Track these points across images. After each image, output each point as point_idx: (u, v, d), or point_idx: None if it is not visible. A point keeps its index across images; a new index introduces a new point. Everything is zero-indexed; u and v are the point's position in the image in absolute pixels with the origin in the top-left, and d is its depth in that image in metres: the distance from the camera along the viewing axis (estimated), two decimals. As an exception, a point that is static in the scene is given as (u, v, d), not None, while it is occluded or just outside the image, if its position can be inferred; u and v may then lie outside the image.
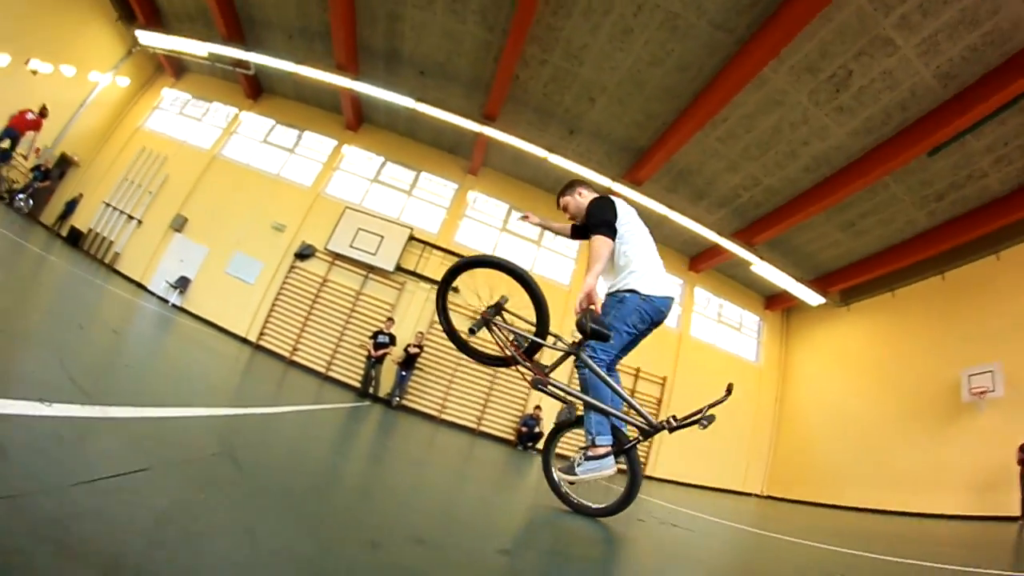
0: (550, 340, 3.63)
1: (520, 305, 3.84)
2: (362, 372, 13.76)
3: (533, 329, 3.64)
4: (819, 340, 18.79)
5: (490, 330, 3.73)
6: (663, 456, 16.14)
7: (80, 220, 15.88)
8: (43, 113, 14.37)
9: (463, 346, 3.94)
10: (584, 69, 12.44)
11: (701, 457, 16.44)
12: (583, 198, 3.84)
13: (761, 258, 15.95)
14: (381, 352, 13.58)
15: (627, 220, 3.60)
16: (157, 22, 16.27)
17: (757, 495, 17.10)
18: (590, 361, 3.32)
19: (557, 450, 4.03)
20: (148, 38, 15.90)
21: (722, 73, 11.21)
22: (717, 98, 11.51)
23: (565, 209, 3.92)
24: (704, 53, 11.09)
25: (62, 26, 14.84)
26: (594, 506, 3.59)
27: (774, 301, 19.50)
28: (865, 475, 14.79)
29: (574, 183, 3.93)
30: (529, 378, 3.58)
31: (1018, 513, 10.53)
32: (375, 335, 13.82)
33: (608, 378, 3.37)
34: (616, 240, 3.46)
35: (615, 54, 11.78)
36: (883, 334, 16.39)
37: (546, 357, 3.90)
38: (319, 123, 17.30)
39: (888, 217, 14.16)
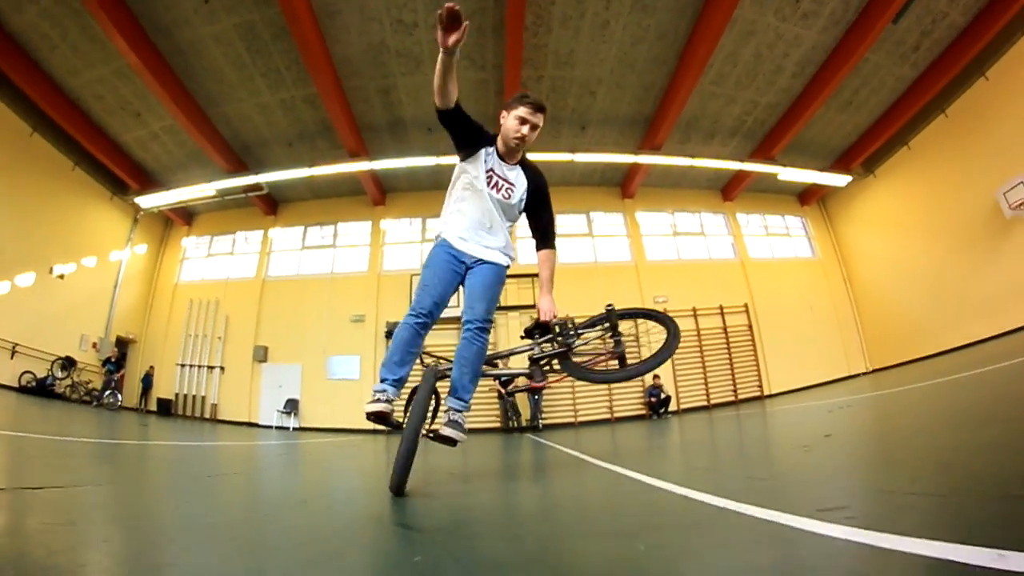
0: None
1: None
2: (499, 412, 15.69)
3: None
4: (860, 214, 20.69)
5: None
6: (772, 374, 18.14)
7: (162, 390, 17.21)
8: None
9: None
10: (577, 71, 14.53)
11: (803, 361, 18.36)
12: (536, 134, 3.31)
13: (783, 166, 18.16)
14: (510, 387, 15.41)
15: None
16: (150, 183, 17.60)
17: (864, 372, 19.01)
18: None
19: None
20: (149, 201, 17.38)
21: (697, 28, 13.35)
22: (700, 51, 13.61)
23: (533, 128, 3.22)
24: (676, 17, 13.24)
25: (66, 224, 16.11)
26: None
27: (808, 196, 21.62)
28: (950, 317, 16.66)
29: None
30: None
31: None
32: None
33: None
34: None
35: (600, 48, 13.90)
36: (913, 186, 18.33)
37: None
38: (347, 211, 18.93)
39: (878, 84, 16.35)
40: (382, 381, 3.01)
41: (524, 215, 3.60)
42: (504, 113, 3.27)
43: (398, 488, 2.75)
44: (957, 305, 16.54)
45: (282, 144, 16.58)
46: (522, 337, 3.80)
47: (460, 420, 3.08)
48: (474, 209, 3.30)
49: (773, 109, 16.77)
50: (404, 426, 2.98)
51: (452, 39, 2.63)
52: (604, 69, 14.54)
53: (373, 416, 2.94)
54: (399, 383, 3.05)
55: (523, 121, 3.18)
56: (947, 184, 17.01)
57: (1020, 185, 14.60)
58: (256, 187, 17.27)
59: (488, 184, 3.28)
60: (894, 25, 14.02)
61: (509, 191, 3.34)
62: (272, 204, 18.91)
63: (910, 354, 17.65)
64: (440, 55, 2.72)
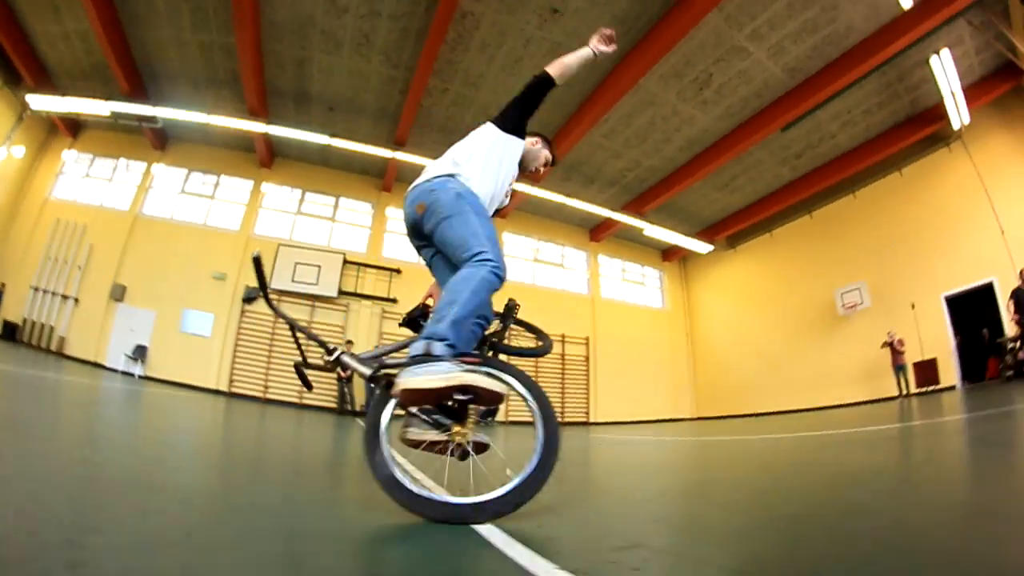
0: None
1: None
2: (336, 394, 15.49)
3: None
4: (715, 280, 22.17)
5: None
6: (601, 403, 19.20)
7: (11, 311, 15.29)
8: None
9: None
10: (481, 93, 14.40)
11: (632, 398, 19.57)
12: None
13: (651, 223, 18.94)
14: (349, 372, 15.25)
15: None
16: (47, 83, 15.78)
17: (690, 418, 20.23)
18: None
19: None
20: (40, 102, 15.42)
21: (602, 86, 13.52)
22: (599, 106, 13.80)
23: (542, 175, 3.35)
24: (586, 71, 13.13)
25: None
26: None
27: (670, 254, 22.94)
28: (773, 385, 18.10)
29: None
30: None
31: (895, 393, 14.08)
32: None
33: None
34: None
35: (508, 79, 13.74)
36: (767, 268, 19.73)
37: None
38: (233, 165, 17.77)
39: (756, 175, 17.24)
40: (451, 346, 2.09)
41: None
42: (537, 140, 3.13)
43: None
44: (781, 377, 18.04)
45: (188, 83, 15.42)
46: (403, 324, 3.28)
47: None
48: (495, 190, 2.86)
49: (654, 172, 17.30)
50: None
51: (603, 49, 2.89)
52: (506, 99, 14.07)
53: (480, 396, 2.07)
54: None
55: (547, 164, 3.17)
56: (797, 273, 18.41)
57: (855, 291, 16.17)
58: (151, 119, 15.83)
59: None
60: (782, 133, 14.61)
61: (508, 194, 3.08)
62: (162, 139, 17.45)
63: (732, 410, 19.06)
64: (588, 51, 2.87)
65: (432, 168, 2.80)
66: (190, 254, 16.55)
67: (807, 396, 16.58)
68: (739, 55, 12.63)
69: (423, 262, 2.94)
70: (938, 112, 14.07)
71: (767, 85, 13.46)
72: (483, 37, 12.61)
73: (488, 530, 1.84)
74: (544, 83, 2.88)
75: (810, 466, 3.98)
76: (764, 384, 18.54)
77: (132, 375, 14.85)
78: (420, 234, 2.78)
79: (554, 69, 2.85)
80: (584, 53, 2.86)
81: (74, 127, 17.55)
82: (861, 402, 15.01)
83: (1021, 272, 11.59)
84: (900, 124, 15.04)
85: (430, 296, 3.24)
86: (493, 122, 2.93)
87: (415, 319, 3.16)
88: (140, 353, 15.24)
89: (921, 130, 14.76)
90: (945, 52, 12.28)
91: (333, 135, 15.60)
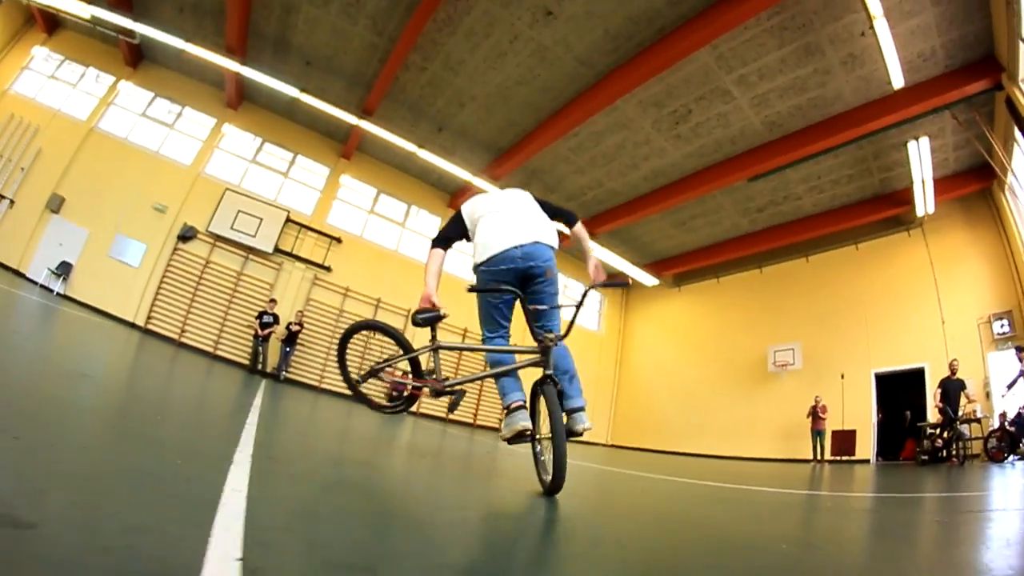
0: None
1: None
2: (250, 351, 14.70)
3: (401, 353, 3.62)
4: (654, 314, 21.68)
5: (380, 377, 3.71)
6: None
7: None
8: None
9: (361, 396, 3.88)
10: (459, 79, 13.51)
11: (547, 413, 18.66)
12: None
13: (601, 245, 18.18)
14: (267, 331, 14.59)
15: (476, 212, 3.61)
16: None
17: (603, 444, 19.73)
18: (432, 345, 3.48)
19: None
20: None
21: (579, 98, 12.77)
22: (572, 117, 13.09)
23: None
24: (566, 81, 12.56)
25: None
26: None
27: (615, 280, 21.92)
28: (694, 427, 17.62)
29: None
30: (428, 391, 3.53)
31: (810, 456, 13.82)
32: (260, 315, 14.72)
33: (492, 346, 3.46)
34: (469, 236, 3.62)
35: (488, 71, 12.95)
36: (708, 312, 19.32)
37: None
38: (199, 98, 16.54)
39: (715, 220, 16.73)
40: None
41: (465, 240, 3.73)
42: None
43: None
44: (701, 420, 17.64)
45: (175, 5, 14.27)
46: (419, 324, 3.32)
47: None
48: None
49: (614, 195, 16.64)
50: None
51: (593, 275, 3.72)
52: (482, 90, 13.69)
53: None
54: None
55: None
56: (736, 323, 18.08)
57: (789, 351, 15.93)
58: (130, 32, 14.63)
59: None
60: (748, 183, 14.11)
61: None
62: (136, 56, 16.16)
63: (647, 443, 18.70)
64: (593, 253, 3.83)
65: (550, 231, 3.54)
66: (136, 179, 15.30)
67: (724, 444, 16.28)
68: (722, 97, 12.05)
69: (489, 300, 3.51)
70: (905, 196, 13.75)
71: (743, 133, 12.92)
72: (472, 24, 11.80)
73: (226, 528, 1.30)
74: (572, 223, 3.81)
75: (658, 517, 3.42)
76: (683, 424, 18.12)
77: (51, 291, 13.75)
78: (524, 283, 3.39)
79: (580, 227, 3.82)
80: (591, 250, 3.83)
81: (52, 24, 16.18)
82: (775, 459, 14.65)
83: (952, 363, 11.49)
84: (866, 200, 14.72)
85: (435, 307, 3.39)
86: (538, 202, 3.69)
87: (437, 320, 3.31)
88: (64, 270, 14.08)
89: (885, 210, 14.47)
90: (924, 140, 11.83)
91: (304, 90, 14.55)
